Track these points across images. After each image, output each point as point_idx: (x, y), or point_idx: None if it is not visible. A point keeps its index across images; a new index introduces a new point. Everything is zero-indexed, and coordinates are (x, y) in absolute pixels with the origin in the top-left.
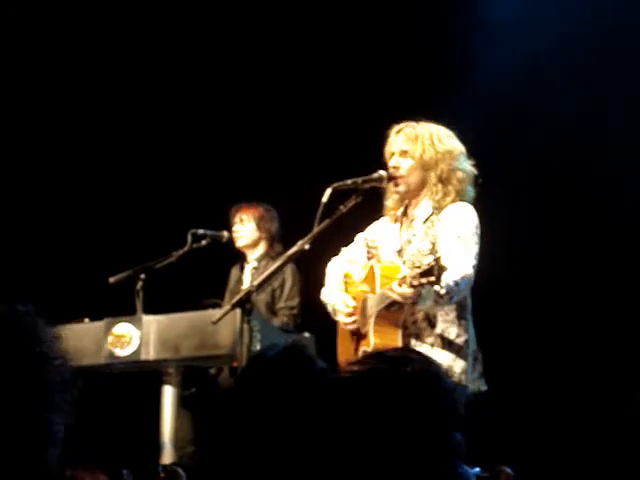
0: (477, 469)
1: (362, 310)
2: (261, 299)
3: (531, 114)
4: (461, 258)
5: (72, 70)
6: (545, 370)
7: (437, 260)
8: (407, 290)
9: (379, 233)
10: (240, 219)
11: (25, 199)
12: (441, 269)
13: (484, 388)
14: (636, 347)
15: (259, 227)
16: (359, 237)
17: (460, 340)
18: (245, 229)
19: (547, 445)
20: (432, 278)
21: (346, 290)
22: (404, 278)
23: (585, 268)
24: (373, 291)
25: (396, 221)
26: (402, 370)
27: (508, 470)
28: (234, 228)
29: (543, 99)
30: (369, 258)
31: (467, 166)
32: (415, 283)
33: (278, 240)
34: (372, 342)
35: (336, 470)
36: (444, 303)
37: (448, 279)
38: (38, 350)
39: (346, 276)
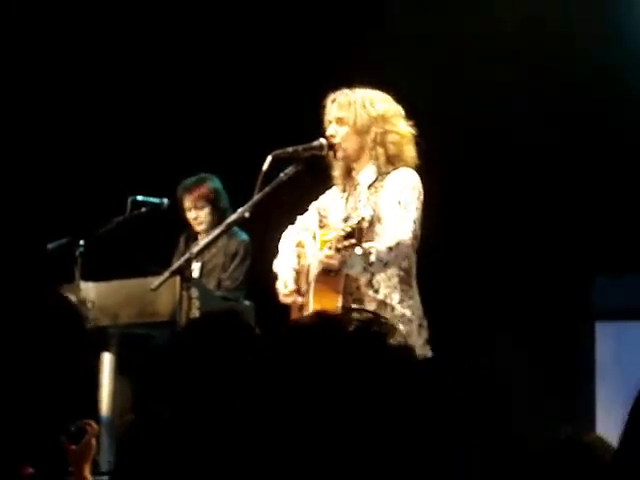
0: None
1: (307, 277)
2: (218, 264)
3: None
4: (398, 224)
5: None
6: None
7: (360, 222)
8: (330, 253)
9: (329, 202)
10: (195, 205)
11: None
12: (361, 231)
13: (429, 354)
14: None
15: (215, 208)
16: (313, 205)
17: (403, 305)
18: (202, 214)
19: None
20: (352, 240)
21: (299, 259)
22: (330, 242)
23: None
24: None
25: (344, 189)
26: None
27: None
28: (190, 215)
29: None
30: (321, 227)
31: (403, 128)
32: (339, 246)
33: (229, 211)
34: (311, 308)
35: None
36: (378, 270)
37: (381, 245)
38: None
39: (299, 244)
